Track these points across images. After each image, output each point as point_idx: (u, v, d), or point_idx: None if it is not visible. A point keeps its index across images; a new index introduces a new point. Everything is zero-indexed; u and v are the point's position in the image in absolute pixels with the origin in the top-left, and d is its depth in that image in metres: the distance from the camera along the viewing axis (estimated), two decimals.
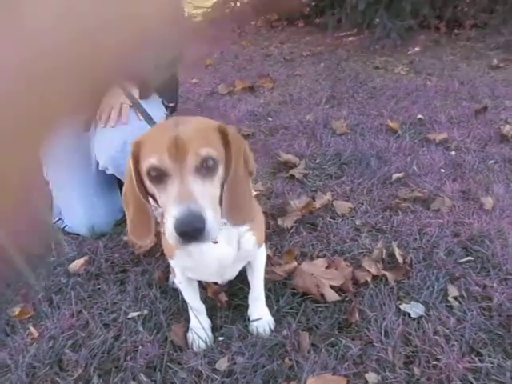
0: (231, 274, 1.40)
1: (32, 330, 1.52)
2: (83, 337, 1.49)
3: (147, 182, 0.96)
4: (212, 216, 0.88)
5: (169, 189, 0.90)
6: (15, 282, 1.71)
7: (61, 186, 2.02)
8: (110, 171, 1.89)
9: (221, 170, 0.96)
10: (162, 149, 0.90)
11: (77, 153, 1.98)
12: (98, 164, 1.98)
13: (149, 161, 0.92)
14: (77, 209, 1.97)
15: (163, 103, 2.07)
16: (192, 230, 0.86)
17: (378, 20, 4.22)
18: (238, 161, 0.99)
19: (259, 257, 1.40)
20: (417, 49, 4.28)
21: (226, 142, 0.99)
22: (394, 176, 2.21)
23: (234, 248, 1.21)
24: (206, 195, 0.90)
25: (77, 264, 1.81)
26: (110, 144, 1.81)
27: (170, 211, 0.87)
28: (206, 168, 0.92)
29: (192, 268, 1.29)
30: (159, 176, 0.92)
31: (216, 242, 1.11)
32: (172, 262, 1.31)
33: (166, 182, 0.92)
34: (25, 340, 1.50)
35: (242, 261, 1.34)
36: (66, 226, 2.05)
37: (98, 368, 1.38)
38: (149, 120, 1.45)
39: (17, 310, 1.60)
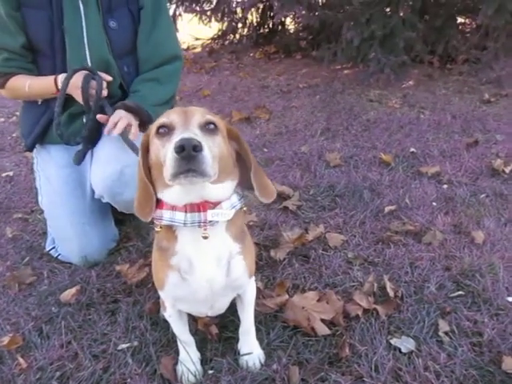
0: (221, 305, 1.39)
1: (20, 360, 1.51)
2: (71, 368, 1.48)
3: (155, 143, 1.07)
4: (208, 151, 0.97)
5: (172, 139, 1.00)
6: None
7: (54, 215, 2.03)
8: (105, 200, 1.91)
9: (220, 141, 1.08)
10: (172, 113, 1.08)
11: (69, 183, 1.99)
12: (93, 192, 2.00)
13: (159, 121, 1.08)
14: (70, 238, 1.98)
15: None
16: (190, 145, 0.92)
17: (373, 54, 4.33)
18: (250, 153, 1.17)
19: (249, 290, 1.40)
20: (410, 83, 4.38)
21: (235, 138, 1.16)
22: (387, 209, 2.23)
23: (223, 270, 1.20)
24: (205, 145, 0.98)
25: (68, 293, 1.81)
26: (106, 173, 1.83)
27: (171, 147, 0.96)
28: (207, 128, 1.06)
29: (182, 298, 1.28)
30: (166, 132, 1.05)
31: (206, 237, 1.12)
32: (162, 294, 1.31)
33: (171, 135, 1.03)
34: (12, 371, 1.48)
35: (231, 290, 1.33)
36: (59, 254, 2.05)
37: None
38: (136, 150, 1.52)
39: (6, 340, 1.59)
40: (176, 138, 0.97)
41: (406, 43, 4.26)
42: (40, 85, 1.89)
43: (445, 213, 2.19)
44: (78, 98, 1.81)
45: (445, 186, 2.44)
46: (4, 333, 1.65)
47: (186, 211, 1.10)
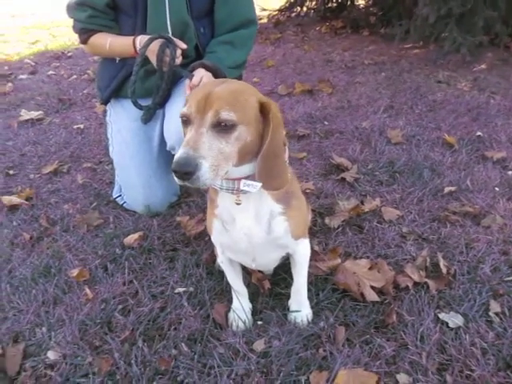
0: (267, 260, 1.45)
1: (87, 291, 1.65)
2: (132, 304, 1.60)
3: (183, 125, 1.12)
4: (208, 166, 1.00)
5: (187, 133, 1.06)
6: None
7: (123, 165, 2.16)
8: (176, 151, 2.00)
9: (241, 133, 1.06)
10: (194, 101, 1.06)
11: (140, 135, 2.11)
12: (159, 147, 2.10)
13: (182, 110, 1.09)
14: (135, 188, 2.10)
15: None
16: (181, 172, 0.98)
17: (447, 34, 4.15)
18: (275, 135, 1.10)
19: (299, 252, 1.43)
20: (483, 66, 4.18)
21: (265, 115, 1.10)
22: (446, 189, 2.20)
23: (263, 227, 1.26)
24: (213, 148, 1.02)
25: (131, 238, 1.93)
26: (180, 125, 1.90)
27: (178, 150, 1.01)
28: (222, 126, 1.04)
29: (226, 245, 1.37)
30: (186, 122, 1.08)
31: (239, 203, 1.20)
32: (212, 239, 1.39)
33: (188, 127, 1.07)
34: (80, 299, 1.63)
35: (277, 248, 1.37)
36: (124, 202, 2.18)
37: (143, 333, 1.49)
38: None
39: (75, 272, 1.74)
40: (184, 140, 1.03)
41: (485, 23, 4.03)
42: (120, 45, 1.98)
43: (507, 198, 2.13)
44: (154, 62, 1.89)
45: (510, 173, 2.36)
46: (73, 266, 1.80)
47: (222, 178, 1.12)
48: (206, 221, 1.38)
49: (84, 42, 2.07)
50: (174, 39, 1.90)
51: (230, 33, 2.03)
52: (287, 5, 6.81)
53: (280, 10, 6.92)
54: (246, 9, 2.06)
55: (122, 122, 2.15)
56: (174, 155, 2.03)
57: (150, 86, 2.03)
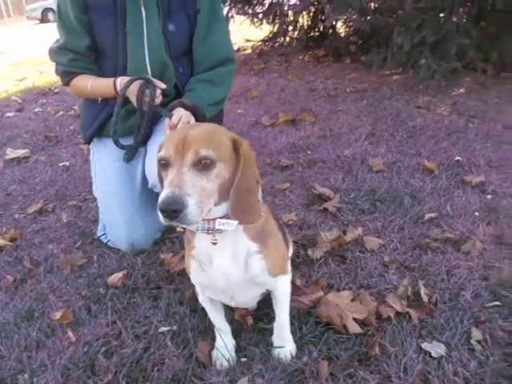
0: (245, 298, 1.46)
1: (70, 334, 1.64)
2: (115, 345, 1.59)
3: (160, 169, 1.16)
4: (194, 203, 1.02)
5: (168, 175, 1.08)
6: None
7: (107, 203, 2.17)
8: (158, 189, 2.02)
9: (220, 170, 1.10)
10: (172, 144, 1.09)
11: (122, 174, 2.13)
12: (142, 185, 2.12)
13: (160, 152, 1.12)
14: (119, 226, 2.11)
15: None
16: (169, 211, 1.00)
17: (423, 60, 4.27)
18: (246, 171, 1.15)
19: (279, 289, 1.44)
20: (461, 90, 4.29)
21: (237, 153, 1.14)
22: (427, 216, 2.23)
23: (239, 266, 1.27)
24: (196, 186, 1.05)
25: (115, 277, 1.93)
26: None
27: (162, 191, 1.04)
28: (203, 164, 1.07)
29: (205, 285, 1.38)
30: (165, 165, 1.11)
31: (215, 243, 1.22)
32: (191, 279, 1.40)
33: (168, 170, 1.09)
34: (63, 343, 1.62)
35: (255, 286, 1.38)
36: (108, 240, 2.19)
37: (126, 376, 1.47)
38: None
39: (58, 315, 1.73)
40: (167, 181, 1.06)
41: (459, 50, 4.16)
42: (101, 86, 2.03)
43: (487, 223, 2.16)
44: (135, 103, 1.93)
45: (489, 196, 2.40)
46: (57, 308, 1.79)
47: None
48: (185, 261, 1.40)
49: (66, 84, 2.11)
50: (154, 80, 1.95)
51: (209, 71, 2.08)
52: (271, 35, 6.97)
53: (264, 41, 7.07)
54: (224, 47, 2.12)
55: (104, 160, 2.18)
56: (156, 193, 2.07)
57: (132, 125, 2.06)
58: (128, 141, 2.07)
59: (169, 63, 2.02)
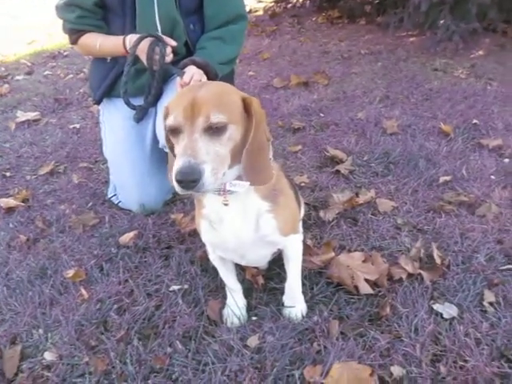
0: (256, 257, 1.45)
1: (83, 291, 1.66)
2: (128, 303, 1.61)
3: (169, 135, 1.11)
4: (210, 170, 1.00)
5: (180, 142, 1.04)
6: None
7: (117, 164, 2.16)
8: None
9: (232, 133, 1.07)
10: (179, 110, 1.04)
11: (133, 134, 2.11)
12: (152, 145, 2.10)
13: (169, 119, 1.06)
14: (130, 187, 2.10)
15: None
16: (187, 181, 0.98)
17: (441, 21, 4.11)
18: (258, 130, 1.11)
19: (290, 247, 1.43)
20: (480, 52, 4.15)
21: (248, 111, 1.11)
22: (442, 179, 2.19)
23: (250, 226, 1.26)
24: (210, 152, 1.02)
25: (127, 237, 1.94)
26: None
27: (176, 161, 1.01)
28: (214, 129, 1.03)
29: (216, 244, 1.37)
30: (176, 131, 1.06)
31: (226, 204, 1.20)
32: (202, 238, 1.39)
33: (179, 136, 1.06)
34: (76, 300, 1.64)
35: (266, 245, 1.37)
36: (119, 201, 2.19)
37: (138, 332, 1.49)
38: None
39: (71, 273, 1.75)
40: (180, 150, 1.01)
41: (479, 10, 3.99)
42: (110, 45, 1.98)
43: (503, 187, 2.12)
44: (145, 61, 1.88)
45: (506, 160, 2.35)
46: (69, 267, 1.81)
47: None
48: (195, 221, 1.39)
49: (74, 42, 2.07)
50: (164, 37, 1.90)
51: (220, 28, 2.02)
52: None
53: (276, 2, 6.88)
54: (235, 4, 2.05)
55: (115, 121, 2.15)
56: (166, 152, 2.05)
57: (142, 85, 2.02)
58: (139, 101, 2.03)
59: (179, 20, 1.96)
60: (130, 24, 1.96)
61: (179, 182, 0.98)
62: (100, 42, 1.99)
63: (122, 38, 1.93)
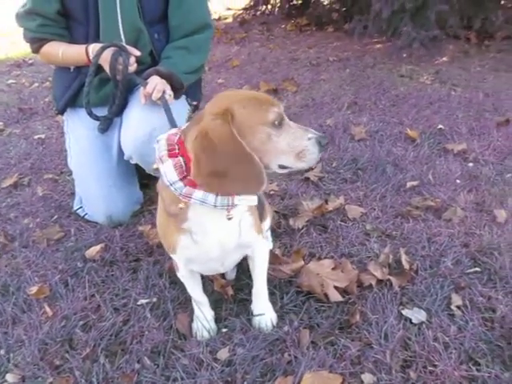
0: (232, 263, 1.47)
1: (47, 308, 1.60)
2: (94, 319, 1.56)
3: (268, 132, 1.11)
4: None
5: (288, 129, 1.14)
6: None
7: (82, 176, 2.11)
8: (134, 161, 1.95)
9: None
10: (271, 101, 1.14)
11: (98, 144, 2.06)
12: (118, 155, 2.05)
13: (274, 111, 1.12)
14: (96, 198, 2.05)
15: (187, 101, 2.14)
16: (325, 143, 1.16)
17: (404, 28, 4.20)
18: None
19: (258, 249, 1.44)
20: (444, 59, 4.26)
21: None
22: (409, 184, 2.22)
23: (235, 230, 1.27)
24: None
25: (93, 250, 1.89)
26: (137, 134, 1.86)
27: (303, 137, 1.14)
28: None
29: (194, 258, 1.34)
30: (280, 121, 1.13)
31: (230, 218, 1.21)
32: (174, 257, 1.37)
33: (283, 125, 1.13)
34: (39, 318, 1.58)
35: (240, 248, 1.38)
36: (85, 214, 2.13)
37: (105, 349, 1.45)
38: (170, 116, 1.56)
39: (34, 289, 1.69)
40: (301, 130, 1.15)
41: (439, 17, 4.09)
42: (73, 53, 1.94)
43: (468, 190, 2.16)
44: (108, 71, 1.85)
45: (470, 164, 2.40)
46: (33, 283, 1.75)
47: (217, 194, 1.12)
48: (163, 239, 1.36)
49: (36, 51, 2.02)
50: (127, 47, 1.87)
51: (185, 38, 2.00)
52: (252, 3, 6.79)
53: (245, 9, 6.89)
54: (200, 13, 2.04)
55: (79, 131, 2.10)
56: (133, 164, 2.01)
57: (106, 95, 1.99)
58: (103, 111, 1.99)
59: (143, 29, 1.94)
60: (94, 32, 1.93)
61: (325, 144, 1.15)
62: (62, 51, 1.94)
63: (84, 46, 1.89)
